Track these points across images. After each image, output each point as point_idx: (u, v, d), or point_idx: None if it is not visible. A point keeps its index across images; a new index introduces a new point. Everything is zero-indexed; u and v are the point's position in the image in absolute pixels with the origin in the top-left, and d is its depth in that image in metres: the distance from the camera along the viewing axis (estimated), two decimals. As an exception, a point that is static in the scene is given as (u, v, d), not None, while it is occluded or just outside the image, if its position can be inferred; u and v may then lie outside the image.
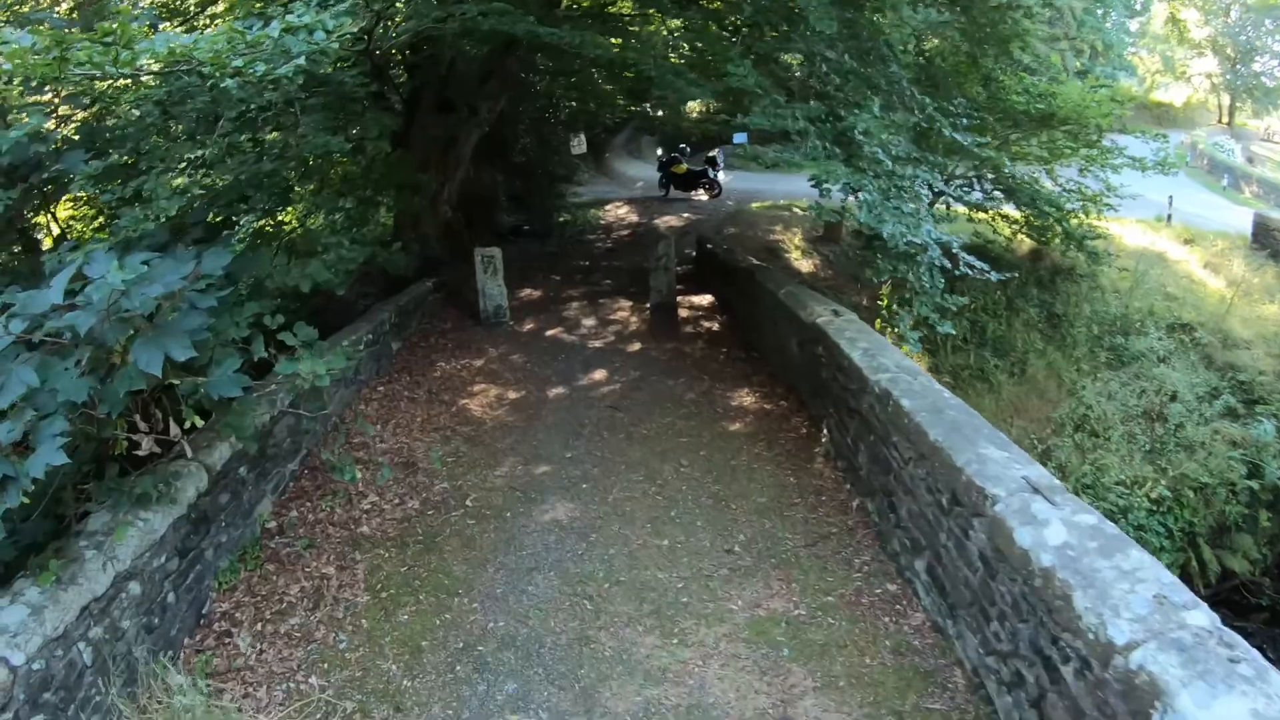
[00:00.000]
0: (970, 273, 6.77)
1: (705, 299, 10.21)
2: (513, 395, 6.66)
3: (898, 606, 3.60)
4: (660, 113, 27.64)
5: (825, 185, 6.16)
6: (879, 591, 3.72)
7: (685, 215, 16.41)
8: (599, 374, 7.23)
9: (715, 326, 9.05)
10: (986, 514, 2.89)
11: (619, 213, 16.98)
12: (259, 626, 3.54)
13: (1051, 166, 11.33)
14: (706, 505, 4.69)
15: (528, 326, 8.93)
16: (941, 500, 3.32)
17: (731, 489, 4.88)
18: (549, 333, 8.69)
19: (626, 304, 9.95)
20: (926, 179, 7.67)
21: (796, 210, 15.74)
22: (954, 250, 6.60)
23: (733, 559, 4.07)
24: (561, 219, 14.85)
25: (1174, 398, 10.46)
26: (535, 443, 5.63)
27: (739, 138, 22.36)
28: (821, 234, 14.15)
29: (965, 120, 8.44)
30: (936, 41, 10.50)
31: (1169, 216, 15.17)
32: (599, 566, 4.02)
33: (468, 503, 4.71)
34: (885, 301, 12.01)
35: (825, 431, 5.40)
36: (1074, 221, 10.84)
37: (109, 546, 2.88)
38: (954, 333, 7.30)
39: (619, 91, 21.39)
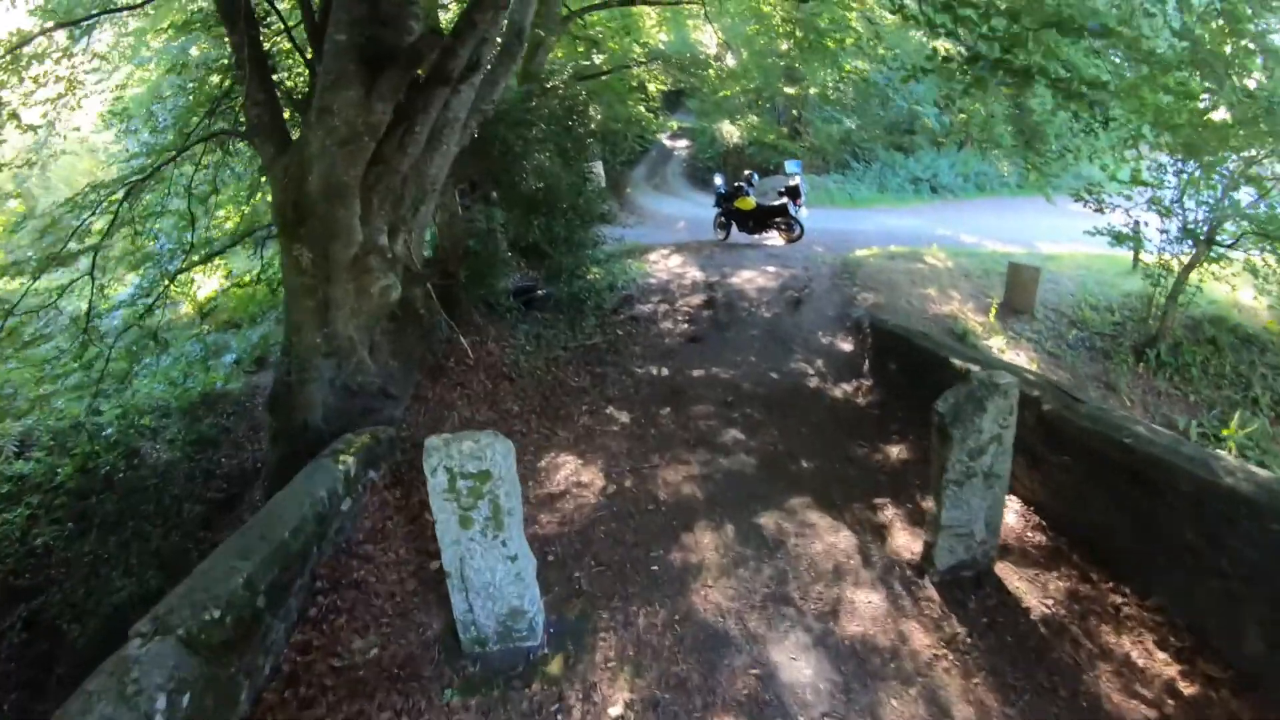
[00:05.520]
0: None
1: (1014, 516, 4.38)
2: None
3: None
4: (688, 134, 22.48)
5: None
6: None
7: (769, 269, 10.84)
8: None
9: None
10: None
11: (669, 264, 11.44)
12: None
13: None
14: None
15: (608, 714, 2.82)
16: None
17: None
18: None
19: (841, 539, 4.07)
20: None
21: (933, 261, 10.33)
22: None
23: None
24: (592, 275, 9.26)
25: None
26: None
27: (791, 165, 17.02)
28: (1003, 300, 8.93)
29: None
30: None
31: None
32: None
33: None
34: (1231, 435, 6.58)
35: None
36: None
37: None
38: None
39: (649, 103, 16.30)
